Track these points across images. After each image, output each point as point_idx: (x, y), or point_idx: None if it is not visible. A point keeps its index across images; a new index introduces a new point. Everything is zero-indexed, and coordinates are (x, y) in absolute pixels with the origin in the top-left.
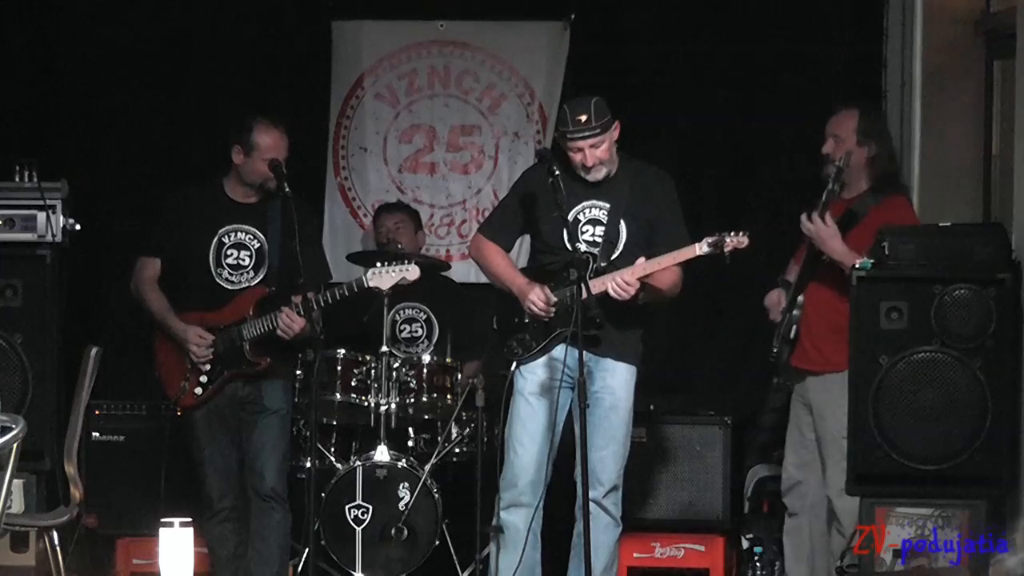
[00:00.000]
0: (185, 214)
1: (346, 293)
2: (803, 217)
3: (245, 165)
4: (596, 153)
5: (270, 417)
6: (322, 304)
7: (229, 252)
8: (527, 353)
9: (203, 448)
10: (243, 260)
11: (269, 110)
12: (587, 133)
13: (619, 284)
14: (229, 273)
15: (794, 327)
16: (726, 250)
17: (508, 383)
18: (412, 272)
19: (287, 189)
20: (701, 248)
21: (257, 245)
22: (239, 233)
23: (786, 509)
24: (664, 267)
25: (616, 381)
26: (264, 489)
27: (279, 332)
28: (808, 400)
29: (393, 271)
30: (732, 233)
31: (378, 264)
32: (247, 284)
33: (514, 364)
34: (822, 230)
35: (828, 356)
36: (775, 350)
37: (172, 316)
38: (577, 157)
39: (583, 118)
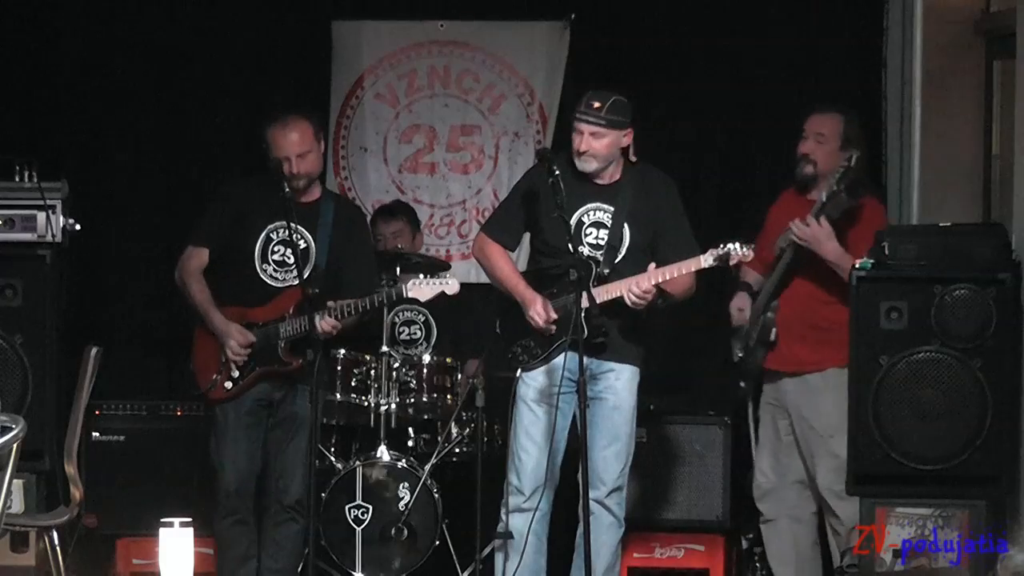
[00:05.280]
0: (237, 206)
1: (384, 302)
2: (795, 221)
3: (270, 161)
4: (592, 142)
5: (302, 429)
6: (360, 311)
7: (276, 248)
8: (532, 360)
9: (227, 444)
10: (288, 258)
11: (269, 110)
12: (591, 119)
13: (636, 295)
14: (274, 270)
15: (773, 330)
16: (731, 263)
17: (512, 391)
18: (452, 286)
19: (287, 190)
20: (706, 260)
21: (304, 245)
22: (287, 231)
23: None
24: (672, 277)
25: (619, 382)
26: (288, 500)
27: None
28: (784, 403)
29: (434, 283)
30: (737, 245)
31: (420, 276)
32: (290, 283)
33: (518, 371)
34: (819, 232)
35: (804, 357)
36: (740, 355)
37: (215, 311)
38: (575, 138)
39: (596, 104)
